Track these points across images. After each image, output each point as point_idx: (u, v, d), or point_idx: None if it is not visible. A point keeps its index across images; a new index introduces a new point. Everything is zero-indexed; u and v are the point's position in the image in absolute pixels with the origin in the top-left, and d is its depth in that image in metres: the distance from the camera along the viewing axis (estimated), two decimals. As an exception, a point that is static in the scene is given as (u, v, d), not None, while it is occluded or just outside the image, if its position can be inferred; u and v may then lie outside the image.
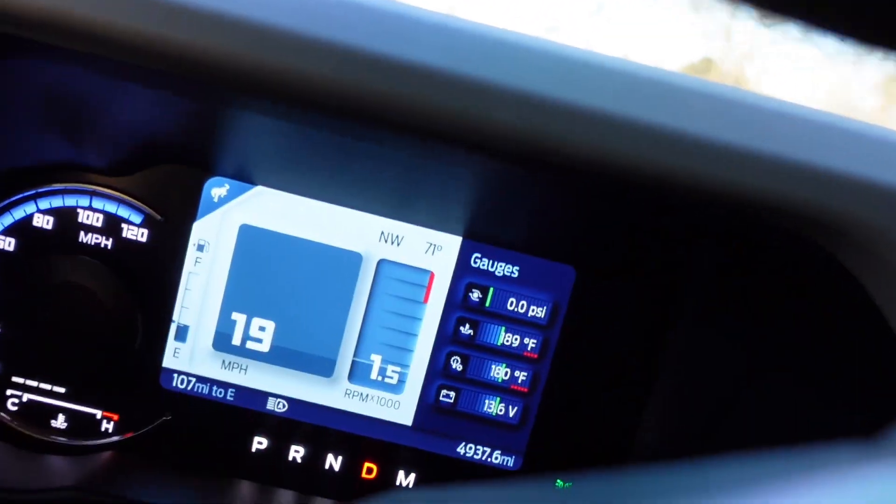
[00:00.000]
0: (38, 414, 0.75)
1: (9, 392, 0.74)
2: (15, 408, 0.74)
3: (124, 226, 0.72)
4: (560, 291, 0.74)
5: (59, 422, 0.75)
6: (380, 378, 0.75)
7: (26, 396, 0.74)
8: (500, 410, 0.76)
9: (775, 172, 0.43)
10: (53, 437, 0.75)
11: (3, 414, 0.74)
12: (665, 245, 0.73)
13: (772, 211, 0.44)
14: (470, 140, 0.46)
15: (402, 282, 0.74)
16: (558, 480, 0.78)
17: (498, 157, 0.48)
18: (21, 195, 0.71)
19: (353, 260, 0.73)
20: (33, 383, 0.74)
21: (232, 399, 0.75)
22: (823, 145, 0.44)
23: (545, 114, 0.45)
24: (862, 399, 0.56)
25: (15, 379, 0.74)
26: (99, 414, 0.75)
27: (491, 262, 0.74)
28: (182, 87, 0.54)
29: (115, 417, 0.75)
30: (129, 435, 0.75)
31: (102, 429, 0.75)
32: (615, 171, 0.46)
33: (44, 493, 0.64)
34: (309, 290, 0.73)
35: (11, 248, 0.72)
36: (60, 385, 0.74)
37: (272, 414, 0.76)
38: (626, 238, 0.73)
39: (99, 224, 0.72)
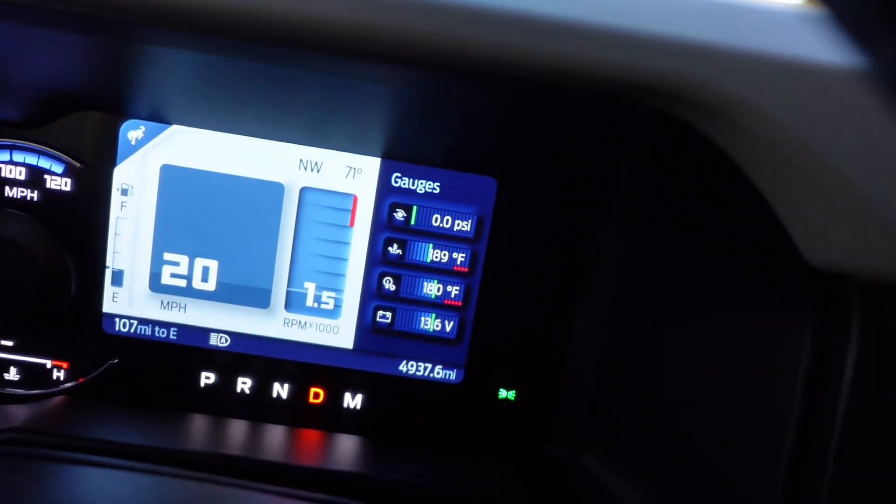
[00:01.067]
0: (-10, 368, 0.77)
1: (-41, 350, 0.76)
2: (-33, 365, 0.77)
3: (47, 177, 0.73)
4: (484, 204, 0.75)
5: (12, 374, 0.77)
6: (316, 305, 0.76)
7: (-24, 353, 0.77)
8: (437, 326, 0.77)
9: (625, 46, 0.43)
10: (8, 389, 0.77)
11: (-44, 372, 0.76)
12: (583, 150, 0.73)
13: (635, 90, 0.44)
14: (366, 51, 0.46)
15: (327, 207, 0.74)
16: (500, 390, 0.80)
17: (397, 66, 0.47)
18: (-58, 155, 0.72)
19: (275, 190, 0.74)
20: (-19, 340, 0.76)
21: (175, 338, 0.77)
22: (663, 14, 0.44)
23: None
24: (773, 277, 0.56)
25: (-37, 337, 0.76)
26: (49, 363, 0.77)
27: (412, 180, 0.74)
28: (87, 25, 0.54)
29: (65, 365, 0.77)
30: (81, 381, 0.78)
31: (54, 377, 0.77)
32: (485, 63, 0.46)
33: (-11, 436, 0.67)
34: (235, 225, 0.74)
35: (-60, 209, 0.73)
36: (7, 339, 0.76)
37: (216, 349, 0.77)
38: (544, 146, 0.73)
39: (22, 177, 0.73)
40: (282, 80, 0.62)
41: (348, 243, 0.75)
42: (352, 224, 0.75)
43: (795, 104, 0.43)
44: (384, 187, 0.74)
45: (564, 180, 0.75)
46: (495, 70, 0.46)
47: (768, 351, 0.57)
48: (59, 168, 0.73)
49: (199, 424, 0.77)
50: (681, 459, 0.66)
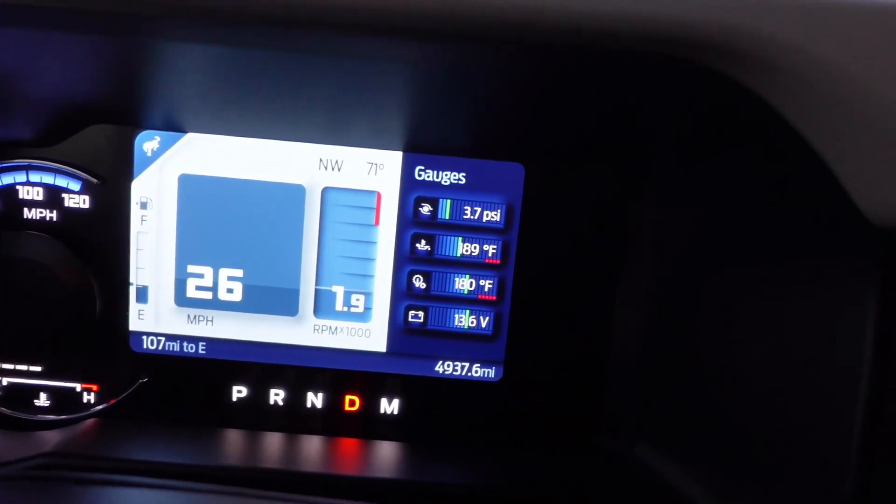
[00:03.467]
0: (20, 395, 0.75)
1: (-12, 378, 0.75)
2: (-3, 393, 0.75)
3: (65, 195, 0.72)
4: (512, 192, 0.72)
5: (42, 400, 0.76)
6: (345, 308, 0.74)
7: (5, 380, 0.75)
8: (472, 322, 0.74)
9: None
10: (39, 415, 0.76)
11: (-13, 401, 0.75)
12: (614, 128, 0.70)
13: (681, 45, 0.41)
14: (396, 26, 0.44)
15: (350, 207, 0.72)
16: (542, 384, 0.76)
17: (420, 37, 0.45)
18: (-42, 181, 0.71)
19: (296, 193, 0.72)
20: (9, 366, 0.75)
21: (204, 352, 0.75)
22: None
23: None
24: (831, 242, 0.53)
25: (-9, 364, 0.75)
26: (79, 387, 0.76)
27: (436, 172, 0.72)
28: (100, 21, 0.52)
29: (95, 388, 0.76)
30: (112, 402, 0.76)
31: (84, 400, 0.76)
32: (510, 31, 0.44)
33: (21, 462, 0.65)
34: (258, 231, 0.72)
35: (-40, 236, 0.72)
36: (35, 364, 0.75)
37: (246, 362, 0.75)
38: (572, 127, 0.70)
39: (40, 197, 0.72)
40: (297, 76, 0.59)
41: (375, 242, 0.73)
42: (377, 222, 0.72)
43: (852, 46, 0.40)
44: (408, 181, 0.72)
45: (595, 161, 0.72)
46: (535, 34, 0.44)
47: (830, 324, 0.53)
48: (76, 185, 0.71)
49: (233, 439, 0.74)
50: (738, 443, 0.62)
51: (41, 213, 0.72)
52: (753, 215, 0.61)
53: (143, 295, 0.74)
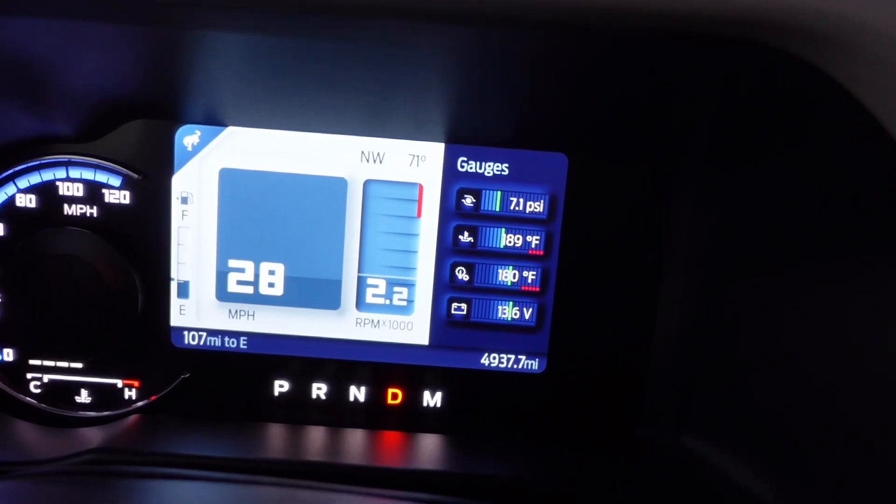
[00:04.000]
0: (61, 392, 0.75)
1: (29, 376, 0.75)
2: (38, 390, 0.75)
3: (105, 191, 0.71)
4: (555, 182, 0.71)
5: (83, 397, 0.76)
6: (387, 301, 0.73)
7: (46, 377, 0.75)
8: (515, 314, 0.73)
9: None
10: (81, 412, 0.76)
11: (28, 398, 0.75)
12: (658, 117, 0.69)
13: (728, 24, 0.41)
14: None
15: (392, 199, 0.72)
16: (586, 376, 0.76)
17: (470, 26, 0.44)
18: (-2, 178, 0.71)
19: (338, 186, 0.71)
20: (51, 363, 0.75)
21: (246, 347, 0.75)
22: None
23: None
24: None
25: (32, 362, 0.74)
26: (120, 383, 0.75)
27: (478, 163, 0.71)
28: (141, 12, 0.51)
29: (137, 384, 0.75)
30: (154, 398, 0.75)
31: (126, 397, 0.76)
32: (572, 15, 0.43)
33: (69, 459, 0.65)
34: (300, 225, 0.72)
35: (1, 233, 0.71)
36: (76, 361, 0.74)
37: (288, 356, 0.75)
38: (614, 117, 0.70)
39: (80, 193, 0.71)
40: (338, 67, 0.59)
41: (417, 234, 0.72)
42: (419, 214, 0.72)
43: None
44: (450, 173, 0.71)
45: (639, 150, 0.71)
46: (600, 17, 0.43)
47: (886, 317, 0.52)
48: (116, 181, 0.71)
49: (276, 433, 0.74)
50: (789, 431, 0.62)
51: (82, 209, 0.71)
52: (813, 199, 0.60)
53: (184, 290, 0.73)
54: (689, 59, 0.50)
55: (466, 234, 0.72)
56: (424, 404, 0.75)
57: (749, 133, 0.63)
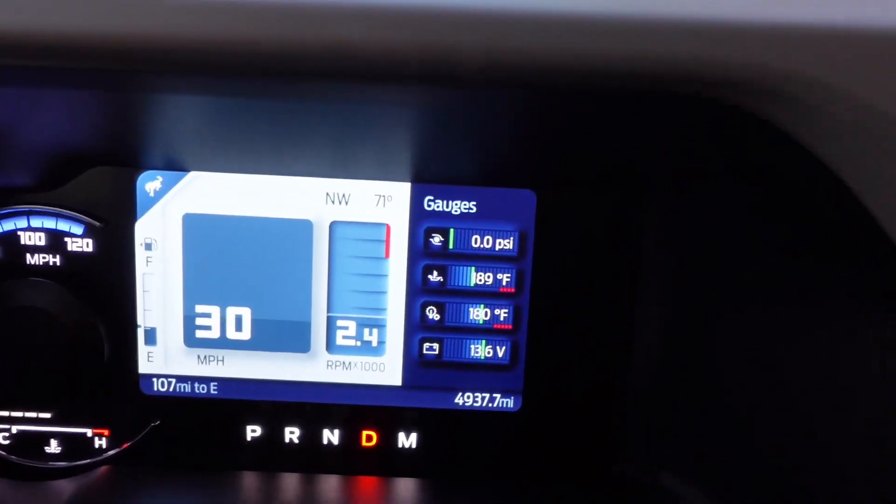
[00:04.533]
0: (30, 443, 0.74)
1: (-2, 427, 0.74)
2: (7, 441, 0.74)
3: (67, 239, 0.70)
4: (524, 219, 0.70)
5: (53, 447, 0.74)
6: (358, 343, 0.72)
7: (15, 428, 0.74)
8: (489, 353, 0.72)
9: (663, 34, 0.38)
10: (51, 462, 0.74)
11: (-2, 450, 0.74)
12: (622, 153, 0.68)
13: (683, 80, 0.39)
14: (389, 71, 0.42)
15: (359, 240, 0.70)
16: (563, 413, 0.75)
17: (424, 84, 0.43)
18: (-42, 230, 0.69)
19: (303, 228, 0.70)
20: (19, 414, 0.73)
21: (216, 393, 0.73)
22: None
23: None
24: (862, 268, 0.51)
25: (0, 413, 0.73)
26: (90, 432, 0.74)
27: (445, 202, 0.70)
28: (98, 81, 0.51)
29: (106, 433, 0.74)
30: (125, 447, 0.74)
31: (96, 446, 0.74)
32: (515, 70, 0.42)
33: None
34: (266, 269, 0.71)
35: (-38, 285, 0.70)
36: (45, 411, 0.73)
37: (259, 400, 0.74)
38: (581, 152, 0.69)
39: (42, 242, 0.70)
40: (300, 113, 0.58)
41: (386, 275, 0.71)
42: (387, 255, 0.71)
43: (872, 76, 0.38)
44: (417, 212, 0.70)
45: (606, 187, 0.70)
46: (539, 77, 0.42)
47: (861, 349, 0.52)
48: (78, 229, 0.70)
49: (249, 481, 0.73)
50: (768, 469, 0.61)
51: (44, 258, 0.70)
52: (779, 237, 0.59)
53: (151, 337, 0.72)
54: (646, 113, 0.49)
55: (436, 273, 0.71)
56: (399, 446, 0.74)
57: (709, 170, 0.62)
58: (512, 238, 0.70)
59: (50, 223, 0.70)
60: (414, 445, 0.74)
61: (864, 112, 0.37)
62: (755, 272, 0.63)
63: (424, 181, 0.70)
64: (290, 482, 0.72)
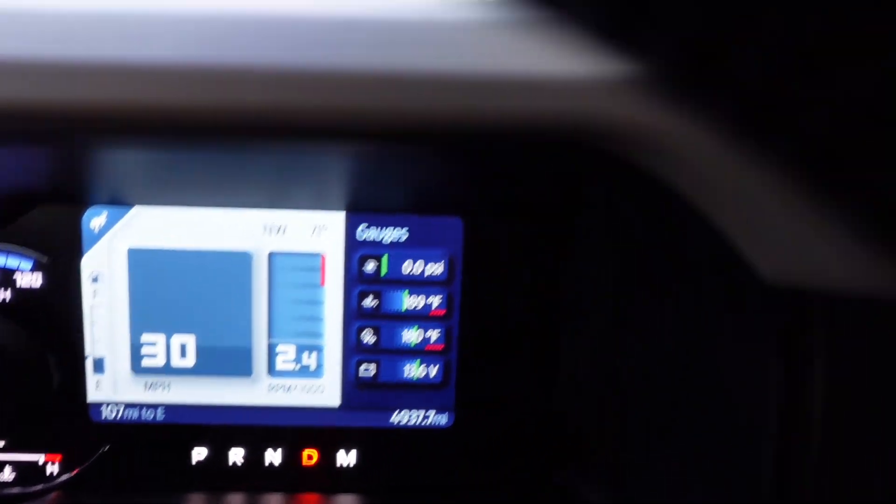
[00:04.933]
0: (-17, 471, 0.77)
1: (-50, 457, 0.76)
2: (-39, 470, 0.77)
3: (17, 275, 0.73)
4: (452, 244, 0.74)
5: (6, 474, 0.77)
6: (297, 366, 0.76)
7: (-33, 458, 0.76)
8: (422, 373, 0.76)
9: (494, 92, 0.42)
10: (4, 490, 0.77)
11: (-49, 479, 0.76)
12: (546, 180, 0.72)
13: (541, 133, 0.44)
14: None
15: (296, 269, 0.74)
16: (495, 427, 0.78)
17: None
18: None
19: (243, 259, 0.74)
20: (-29, 444, 0.76)
21: (163, 418, 0.77)
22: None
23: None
24: (734, 300, 0.56)
25: (-48, 444, 0.76)
26: (42, 459, 0.77)
27: (378, 229, 0.74)
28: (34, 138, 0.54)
29: (58, 458, 0.77)
30: (76, 472, 0.77)
31: (48, 472, 0.77)
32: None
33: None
34: (208, 299, 0.74)
35: (-86, 320, 0.73)
36: (-4, 440, 0.76)
37: (205, 424, 0.77)
38: (505, 179, 0.73)
39: (-8, 278, 0.73)
40: (237, 154, 0.62)
41: (322, 302, 0.75)
42: (322, 283, 0.74)
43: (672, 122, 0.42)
44: (351, 241, 0.74)
45: (531, 212, 0.75)
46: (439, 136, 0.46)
47: (740, 376, 0.56)
48: (27, 265, 0.73)
49: (197, 502, 0.76)
50: (678, 485, 0.65)
51: (-6, 293, 0.73)
52: (665, 271, 0.64)
53: (99, 366, 0.75)
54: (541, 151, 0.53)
55: (371, 298, 0.75)
56: (339, 464, 0.78)
57: (617, 203, 0.67)
58: (442, 263, 0.74)
59: (0, 259, 0.73)
60: (353, 463, 0.78)
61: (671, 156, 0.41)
62: (662, 289, 0.67)
63: (358, 210, 0.74)
64: (236, 501, 0.76)
